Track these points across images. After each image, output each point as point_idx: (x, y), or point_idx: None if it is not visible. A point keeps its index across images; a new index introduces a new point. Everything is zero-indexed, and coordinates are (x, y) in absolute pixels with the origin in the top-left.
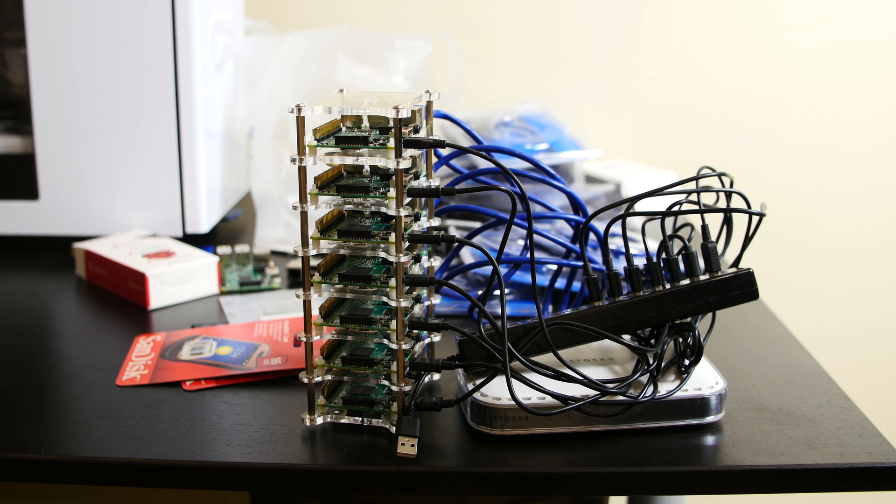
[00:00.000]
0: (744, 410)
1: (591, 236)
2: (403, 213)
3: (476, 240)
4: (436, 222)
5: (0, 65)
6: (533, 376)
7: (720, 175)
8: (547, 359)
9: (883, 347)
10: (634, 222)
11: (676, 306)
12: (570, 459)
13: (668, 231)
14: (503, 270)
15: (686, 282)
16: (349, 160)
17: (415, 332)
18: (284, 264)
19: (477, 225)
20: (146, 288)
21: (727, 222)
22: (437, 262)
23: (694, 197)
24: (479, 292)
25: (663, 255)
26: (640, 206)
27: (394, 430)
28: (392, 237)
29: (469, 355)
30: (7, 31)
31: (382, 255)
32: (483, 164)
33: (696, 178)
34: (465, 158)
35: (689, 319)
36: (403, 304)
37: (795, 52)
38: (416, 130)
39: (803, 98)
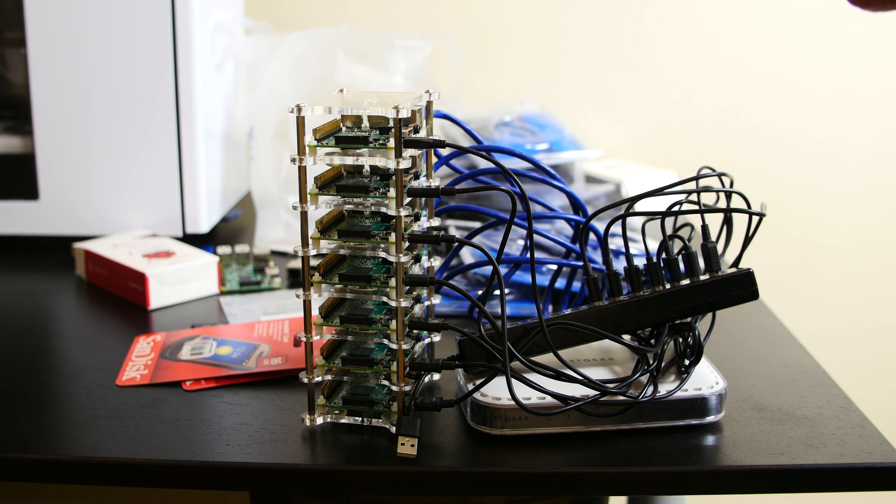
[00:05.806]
0: (744, 410)
1: (591, 236)
2: (403, 213)
3: (476, 240)
4: (436, 222)
5: (0, 65)
6: (533, 376)
7: (720, 175)
8: (547, 359)
9: (883, 347)
10: (634, 222)
11: (676, 306)
12: (570, 459)
13: (668, 231)
14: (503, 270)
15: (686, 282)
16: (349, 160)
17: (415, 332)
18: (284, 264)
19: (477, 225)
20: (146, 288)
21: (727, 222)
22: (437, 262)
23: (694, 197)
24: (479, 292)
25: (663, 255)
26: (640, 206)
27: (394, 430)
28: (392, 237)
29: (469, 355)
30: (7, 31)
31: (382, 255)
32: (483, 164)
33: (696, 178)
34: (465, 158)
35: (689, 319)
36: (403, 304)
37: (795, 52)
38: (416, 130)
39: (803, 97)
